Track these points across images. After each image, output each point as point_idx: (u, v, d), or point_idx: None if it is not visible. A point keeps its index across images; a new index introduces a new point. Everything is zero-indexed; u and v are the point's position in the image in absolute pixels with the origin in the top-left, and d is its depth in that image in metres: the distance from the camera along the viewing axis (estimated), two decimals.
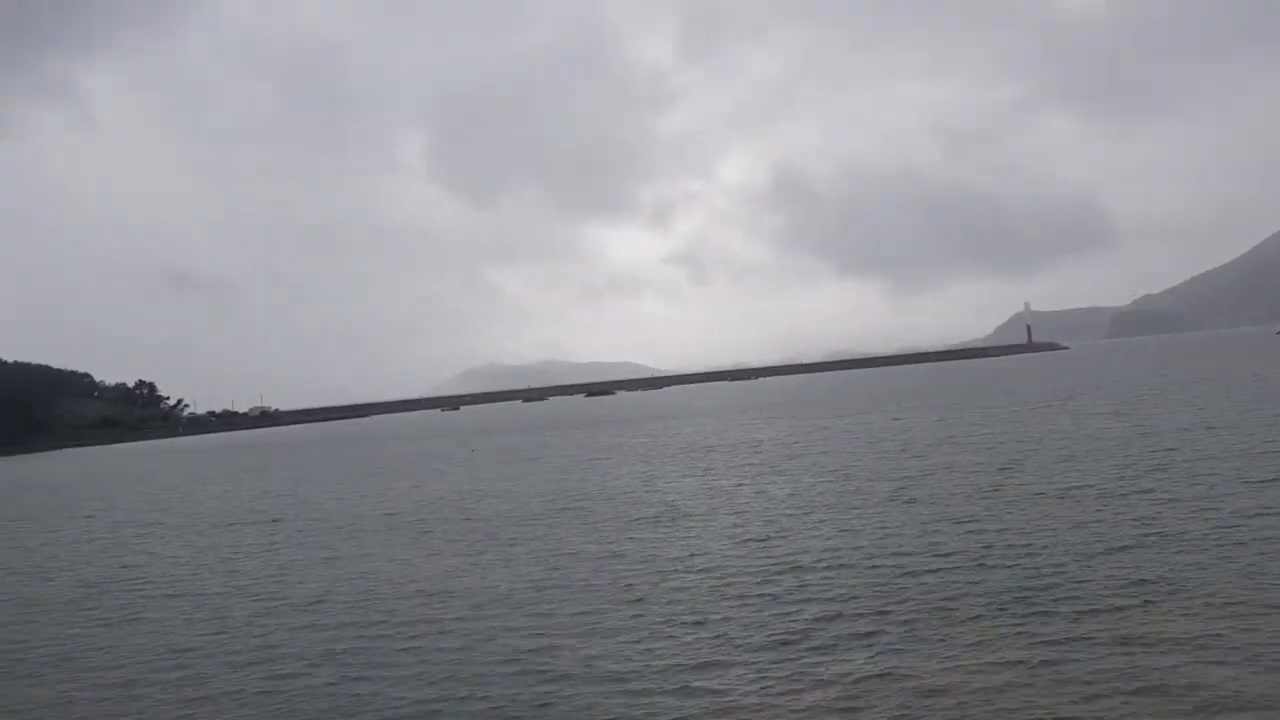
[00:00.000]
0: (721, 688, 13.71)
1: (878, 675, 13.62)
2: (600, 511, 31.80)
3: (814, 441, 52.31)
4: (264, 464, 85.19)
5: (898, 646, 14.81)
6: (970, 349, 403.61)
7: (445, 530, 31.11)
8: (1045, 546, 20.44)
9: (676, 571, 21.38)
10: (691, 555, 23.04)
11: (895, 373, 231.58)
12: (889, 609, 16.85)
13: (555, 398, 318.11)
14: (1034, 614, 15.74)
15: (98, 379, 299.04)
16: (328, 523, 36.11)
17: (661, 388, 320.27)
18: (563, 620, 17.98)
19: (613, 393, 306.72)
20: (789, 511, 28.24)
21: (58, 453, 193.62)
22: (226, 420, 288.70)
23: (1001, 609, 16.19)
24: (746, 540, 24.32)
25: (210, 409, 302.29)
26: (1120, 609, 15.57)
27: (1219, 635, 13.84)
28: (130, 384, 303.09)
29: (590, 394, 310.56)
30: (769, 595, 18.51)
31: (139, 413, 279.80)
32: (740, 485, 35.56)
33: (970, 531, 22.75)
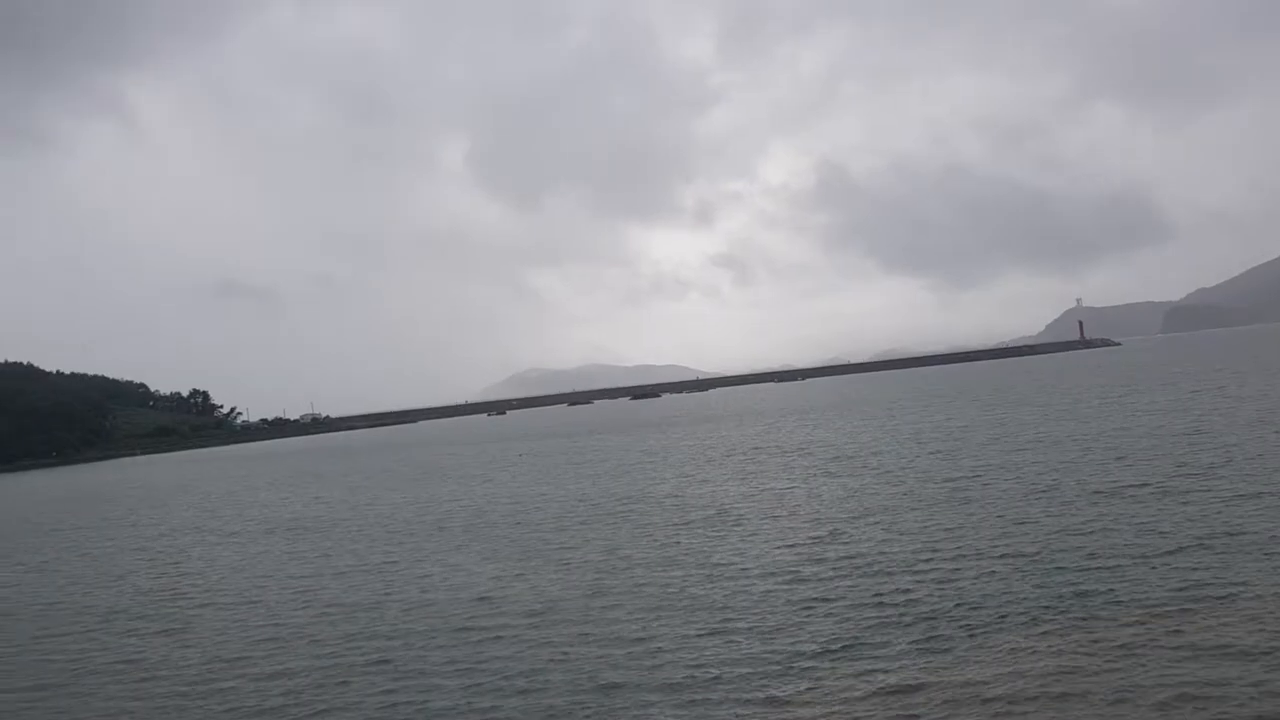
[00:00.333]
0: (778, 694, 13.57)
1: (936, 681, 13.41)
2: (649, 515, 31.73)
3: (864, 443, 51.87)
4: (315, 470, 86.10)
5: (956, 650, 14.59)
6: (1021, 346, 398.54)
7: (496, 535, 31.20)
8: (1104, 548, 20.06)
9: (728, 576, 21.23)
10: (742, 559, 22.88)
11: (944, 372, 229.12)
12: (946, 611, 16.62)
13: (600, 401, 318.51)
14: (1094, 617, 15.42)
15: (153, 389, 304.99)
16: (380, 528, 36.37)
17: (707, 390, 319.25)
18: (615, 626, 17.91)
19: (658, 395, 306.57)
20: (841, 514, 27.99)
21: (115, 461, 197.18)
22: (278, 427, 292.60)
23: (1061, 612, 15.88)
24: (798, 543, 24.12)
25: (262, 416, 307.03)
26: (1183, 612, 15.22)
27: None
28: (184, 393, 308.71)
29: (635, 397, 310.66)
30: (823, 599, 18.32)
31: (194, 421, 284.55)
32: (791, 487, 35.32)
33: (1027, 532, 22.39)
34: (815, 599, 18.41)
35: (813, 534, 25.19)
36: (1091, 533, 21.60)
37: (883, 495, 30.86)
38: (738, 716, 12.96)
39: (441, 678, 15.93)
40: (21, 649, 21.86)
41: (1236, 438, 35.00)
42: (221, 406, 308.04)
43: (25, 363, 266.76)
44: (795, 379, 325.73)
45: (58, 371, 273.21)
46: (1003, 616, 16.00)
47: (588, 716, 13.58)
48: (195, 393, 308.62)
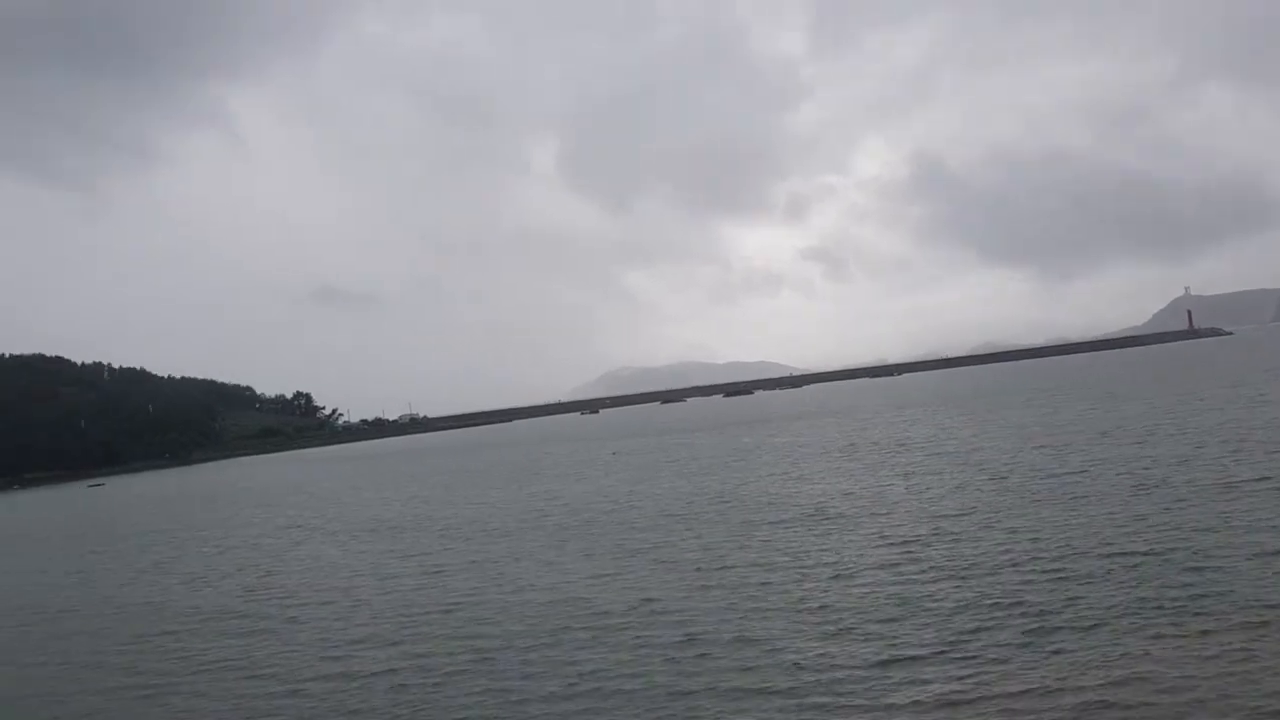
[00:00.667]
0: (883, 698, 13.27)
1: (1045, 686, 12.95)
2: (745, 514, 31.44)
3: (964, 438, 50.72)
4: (414, 470, 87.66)
5: (1066, 652, 14.09)
6: (1126, 337, 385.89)
7: (592, 534, 31.27)
8: (1220, 546, 19.19)
9: (826, 575, 20.89)
10: (841, 558, 22.50)
11: (1046, 365, 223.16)
12: (1055, 612, 16.07)
13: (693, 399, 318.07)
14: (1210, 618, 14.76)
15: (259, 391, 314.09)
16: (477, 527, 36.76)
17: (801, 386, 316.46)
18: (710, 626, 17.73)
19: (751, 392, 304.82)
20: (943, 511, 27.35)
21: (224, 462, 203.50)
22: (378, 427, 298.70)
23: (1176, 614, 15.23)
24: (899, 541, 23.62)
25: (363, 417, 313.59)
26: None
27: None
28: (289, 395, 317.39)
29: (728, 394, 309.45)
30: (926, 599, 17.89)
31: (297, 422, 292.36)
32: (889, 485, 34.67)
33: (1138, 530, 21.56)
34: (917, 599, 17.99)
35: (914, 532, 24.67)
36: (1207, 530, 20.70)
37: (986, 492, 30.09)
38: None
39: (541, 679, 15.92)
40: (130, 647, 22.53)
41: None
42: (324, 408, 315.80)
43: (138, 368, 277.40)
44: (890, 374, 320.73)
45: (169, 376, 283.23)
46: (1114, 618, 15.41)
47: (687, 719, 13.45)
48: (299, 395, 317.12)
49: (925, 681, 13.63)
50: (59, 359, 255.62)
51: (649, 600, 20.41)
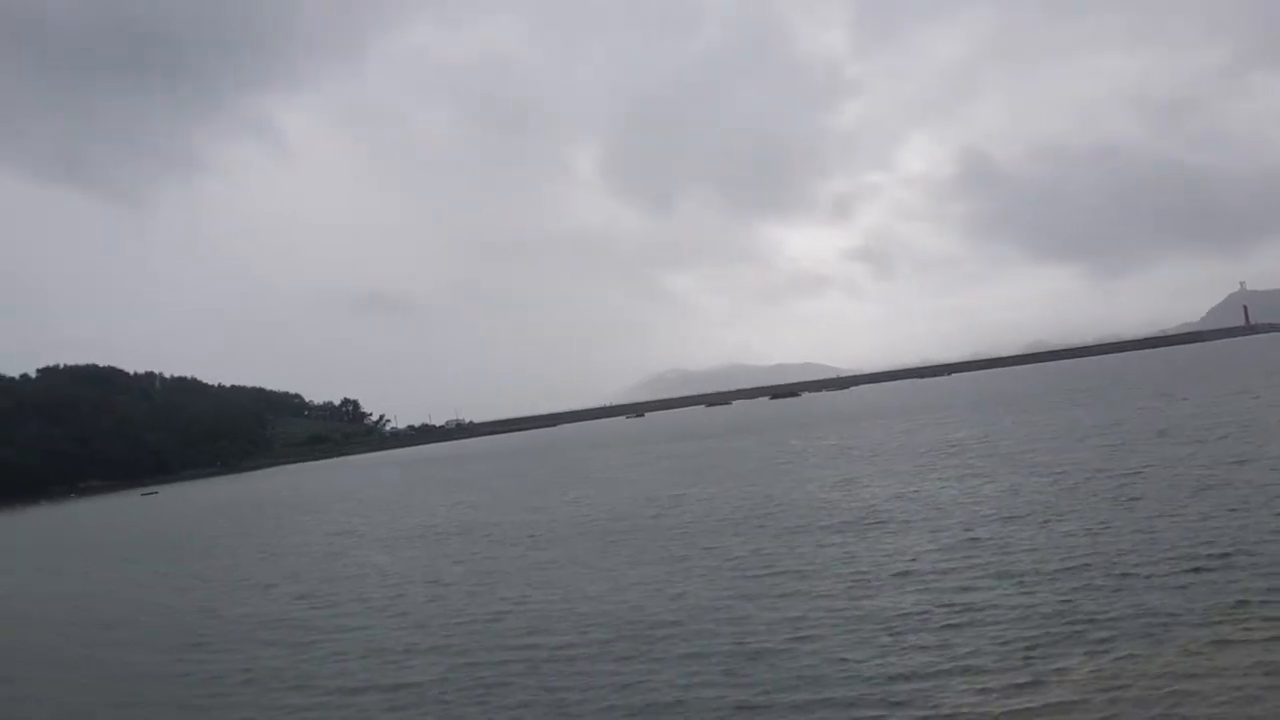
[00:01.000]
0: (939, 708, 12.90)
1: (1106, 698, 12.53)
2: (793, 519, 31.05)
3: (1018, 439, 49.83)
4: (460, 475, 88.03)
5: (1130, 659, 13.64)
6: (1180, 334, 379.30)
7: (640, 539, 31.04)
8: None
9: (880, 583, 20.48)
10: (895, 564, 22.05)
11: (1098, 363, 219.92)
12: (1117, 619, 15.59)
13: (739, 401, 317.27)
14: (1277, 627, 14.25)
15: (307, 399, 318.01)
16: (523, 532, 36.70)
17: (848, 388, 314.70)
18: (763, 635, 17.43)
19: (797, 394, 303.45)
20: (997, 515, 26.79)
21: (274, 469, 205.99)
22: (424, 433, 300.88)
23: (1244, 621, 14.69)
24: (952, 546, 23.16)
25: (409, 423, 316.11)
26: None
27: None
28: (336, 402, 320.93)
29: (774, 396, 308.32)
30: (983, 606, 17.43)
31: (345, 428, 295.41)
32: (942, 488, 34.08)
33: (1200, 532, 20.92)
34: (974, 606, 17.55)
35: (968, 536, 24.17)
36: (1275, 533, 20.03)
37: (1042, 494, 29.46)
38: None
39: (592, 689, 15.69)
40: (185, 657, 22.59)
41: None
42: (371, 414, 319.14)
43: (189, 377, 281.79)
44: (939, 374, 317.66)
45: (219, 384, 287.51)
46: (1179, 625, 14.91)
47: None
48: (346, 402, 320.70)
49: (986, 690, 13.26)
50: (112, 369, 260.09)
51: (700, 608, 20.14)
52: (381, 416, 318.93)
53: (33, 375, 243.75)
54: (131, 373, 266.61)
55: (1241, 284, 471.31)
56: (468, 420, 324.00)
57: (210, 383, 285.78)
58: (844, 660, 15.32)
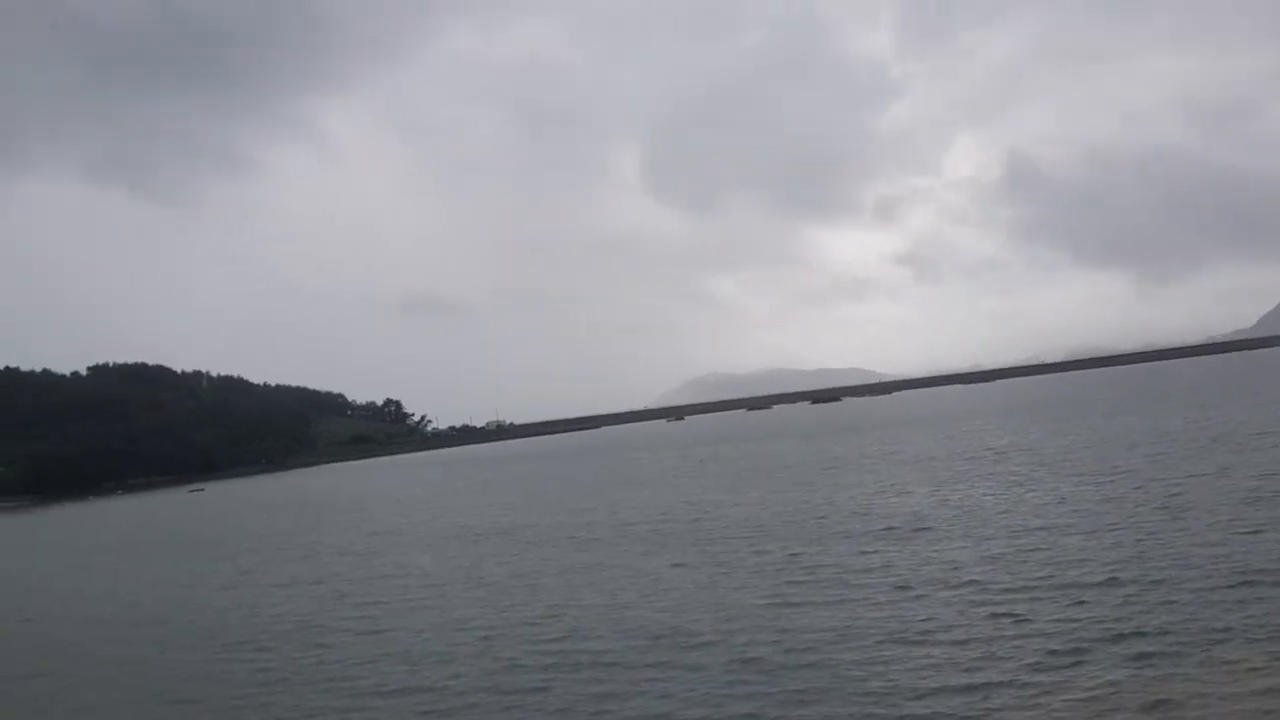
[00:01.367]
0: (988, 713, 12.65)
1: (1150, 713, 12.23)
2: (837, 525, 30.76)
3: (1064, 447, 49.06)
4: (501, 477, 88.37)
5: (1175, 677, 13.33)
6: (1230, 341, 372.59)
7: (681, 542, 30.93)
8: None
9: (922, 591, 20.22)
10: (938, 571, 21.77)
11: (1145, 370, 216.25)
12: (1166, 629, 15.31)
13: (780, 406, 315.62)
14: None
15: (350, 398, 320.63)
16: (564, 534, 36.70)
17: (890, 393, 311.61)
18: (804, 642, 17.24)
19: (839, 399, 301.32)
20: (1044, 523, 26.35)
21: (318, 468, 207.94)
22: (466, 434, 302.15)
23: None
24: (1000, 554, 22.80)
25: (451, 424, 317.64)
26: None
27: None
28: (379, 402, 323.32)
29: (815, 401, 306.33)
30: (1027, 616, 17.15)
31: (388, 429, 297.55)
32: (987, 495, 33.60)
33: (1253, 545, 20.40)
34: (1018, 616, 17.27)
35: (1014, 545, 23.79)
36: None
37: (1089, 503, 28.94)
38: None
39: (636, 696, 15.57)
40: (224, 656, 22.72)
41: None
42: (413, 415, 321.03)
43: (236, 376, 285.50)
44: (984, 380, 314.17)
45: (264, 384, 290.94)
46: (1227, 639, 14.55)
47: None
48: (389, 402, 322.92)
49: (1032, 705, 13.00)
50: (160, 368, 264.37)
51: (741, 614, 19.99)
52: (423, 417, 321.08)
53: (83, 373, 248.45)
54: (179, 371, 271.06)
55: None
56: (508, 422, 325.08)
57: (256, 382, 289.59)
58: (886, 671, 15.11)
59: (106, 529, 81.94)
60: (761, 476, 53.08)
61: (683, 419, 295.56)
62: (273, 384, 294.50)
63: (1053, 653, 14.91)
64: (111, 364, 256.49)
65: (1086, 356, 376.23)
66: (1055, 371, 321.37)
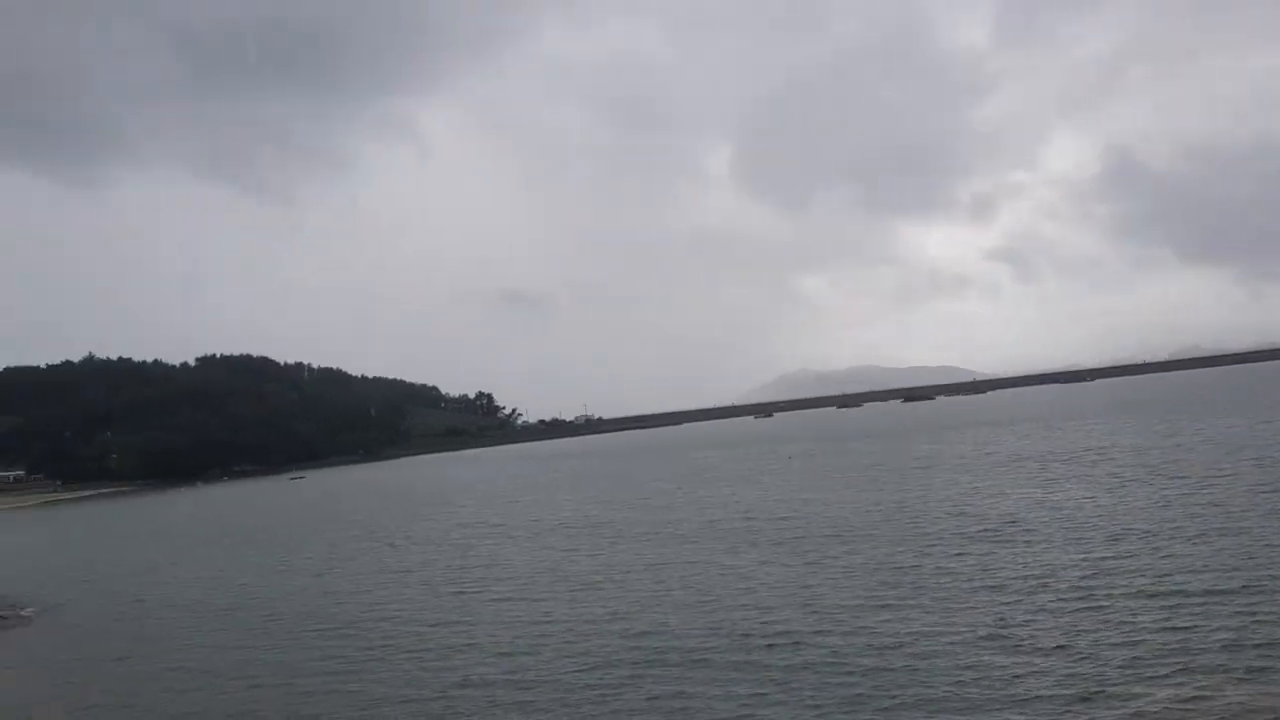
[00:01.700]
0: None
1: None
2: (928, 526, 30.38)
3: (1165, 448, 47.54)
4: (589, 471, 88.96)
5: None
6: None
7: (769, 539, 30.87)
8: None
9: (1018, 595, 19.86)
10: (1034, 576, 21.31)
11: (1253, 370, 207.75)
12: (1263, 646, 14.83)
13: (870, 404, 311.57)
14: None
15: (443, 391, 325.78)
16: (652, 530, 36.87)
17: (984, 392, 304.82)
18: (893, 646, 17.13)
19: (932, 398, 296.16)
20: (1146, 528, 25.62)
21: (412, 459, 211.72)
22: (555, 428, 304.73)
23: None
24: (1100, 560, 22.22)
25: (540, 418, 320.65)
26: None
27: None
28: (471, 395, 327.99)
29: (907, 399, 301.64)
30: (1126, 624, 16.76)
31: (479, 421, 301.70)
32: (1085, 498, 32.82)
33: None
34: (1117, 624, 16.89)
35: (1113, 550, 23.23)
36: None
37: (1193, 508, 28.07)
38: None
39: (720, 697, 15.61)
40: (307, 645, 23.34)
41: None
42: (504, 408, 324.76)
43: (335, 368, 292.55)
44: (1082, 380, 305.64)
45: (362, 376, 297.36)
46: None
47: None
48: (481, 395, 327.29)
49: (1138, 710, 12.80)
50: (264, 359, 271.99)
51: (830, 615, 19.89)
52: (514, 411, 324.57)
53: (192, 364, 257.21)
54: (282, 363, 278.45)
55: None
56: (597, 416, 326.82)
57: (354, 374, 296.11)
58: (983, 679, 14.91)
59: (214, 516, 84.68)
60: (852, 475, 52.56)
61: (770, 416, 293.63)
62: (370, 376, 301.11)
63: (1158, 663, 14.57)
64: (218, 355, 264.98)
65: (1191, 356, 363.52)
66: (1157, 371, 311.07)
